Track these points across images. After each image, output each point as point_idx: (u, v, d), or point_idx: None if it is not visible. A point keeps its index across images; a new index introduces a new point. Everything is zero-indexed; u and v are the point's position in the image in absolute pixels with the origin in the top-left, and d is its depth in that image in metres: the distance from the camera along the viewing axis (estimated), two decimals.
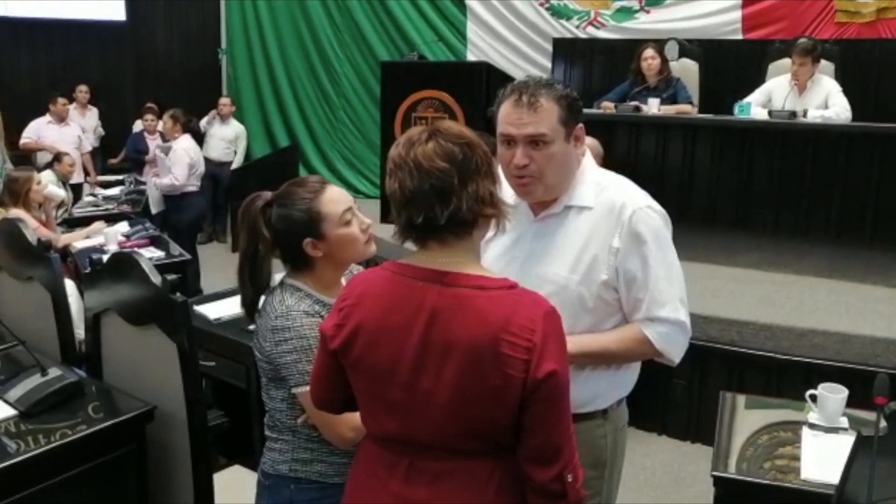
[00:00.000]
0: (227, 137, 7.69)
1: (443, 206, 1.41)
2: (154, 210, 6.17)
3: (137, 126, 7.96)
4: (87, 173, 7.36)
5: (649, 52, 5.45)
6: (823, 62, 5.31)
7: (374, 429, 1.55)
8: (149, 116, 7.60)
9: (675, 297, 1.83)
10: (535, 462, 1.43)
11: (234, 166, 7.73)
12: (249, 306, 1.93)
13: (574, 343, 1.76)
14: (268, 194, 1.89)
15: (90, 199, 6.61)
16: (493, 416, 1.41)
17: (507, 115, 1.79)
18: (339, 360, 1.54)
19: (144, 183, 6.67)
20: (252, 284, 1.89)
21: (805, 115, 4.72)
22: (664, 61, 5.46)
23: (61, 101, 7.11)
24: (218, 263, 6.81)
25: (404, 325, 1.44)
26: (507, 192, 1.86)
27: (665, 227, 1.86)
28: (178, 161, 5.96)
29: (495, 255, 1.91)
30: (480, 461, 1.46)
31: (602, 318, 1.85)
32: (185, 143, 6.12)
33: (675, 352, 1.87)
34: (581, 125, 1.83)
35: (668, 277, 1.83)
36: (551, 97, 1.76)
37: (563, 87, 1.80)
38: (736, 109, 4.85)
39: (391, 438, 1.51)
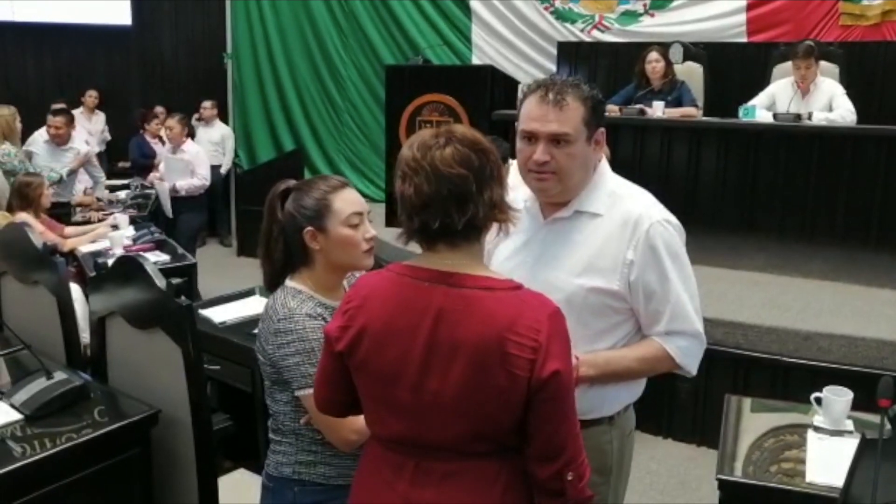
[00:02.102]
0: (212, 140, 7.68)
1: (460, 212, 1.43)
2: (171, 214, 6.08)
3: None
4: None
5: (654, 55, 5.46)
6: (828, 65, 5.31)
7: (381, 431, 1.55)
8: (157, 121, 7.62)
9: (693, 309, 1.84)
10: (537, 460, 1.45)
11: (223, 168, 7.72)
12: (268, 283, 1.97)
13: (595, 367, 1.78)
14: (293, 181, 1.95)
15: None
16: (498, 416, 1.42)
17: (532, 112, 1.78)
18: (344, 363, 1.54)
19: (150, 187, 6.66)
20: (269, 261, 1.94)
21: (810, 117, 4.72)
22: (668, 64, 5.47)
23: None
24: (223, 266, 6.84)
25: (411, 326, 1.45)
26: (519, 196, 1.87)
27: (681, 240, 1.85)
28: (200, 162, 6.01)
29: (504, 256, 1.91)
30: (487, 462, 1.46)
31: (610, 325, 1.84)
32: (195, 145, 6.14)
33: (693, 364, 1.87)
34: (602, 129, 1.82)
35: (687, 290, 1.83)
36: (578, 97, 1.76)
37: (589, 88, 1.80)
38: (741, 112, 4.85)
39: (398, 440, 1.51)
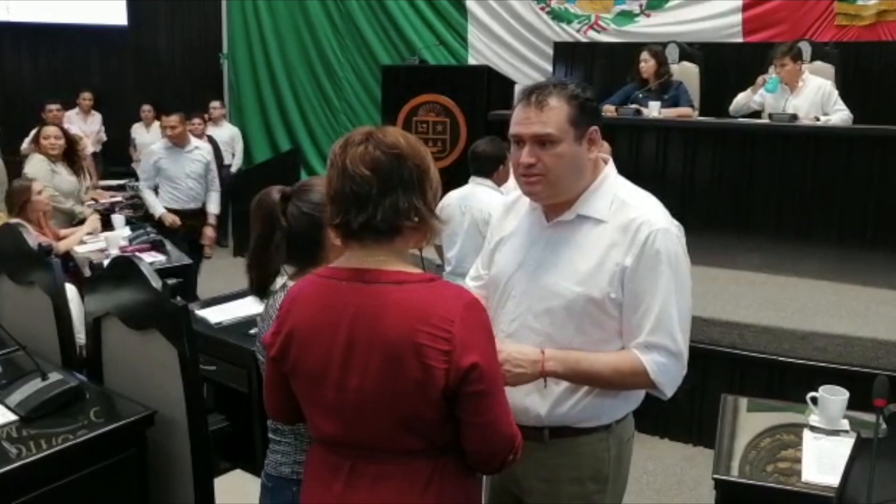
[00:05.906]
0: (222, 140, 7.65)
1: (358, 212, 1.43)
2: None
3: (135, 130, 7.98)
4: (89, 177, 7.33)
5: (644, 54, 5.50)
6: (824, 65, 5.33)
7: (316, 432, 1.57)
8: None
9: (680, 327, 1.76)
10: (477, 460, 1.50)
11: (234, 168, 7.67)
12: (258, 289, 1.93)
13: (564, 364, 1.74)
14: (282, 187, 1.91)
15: (91, 203, 6.56)
16: (419, 409, 1.43)
17: (516, 115, 1.78)
18: (280, 368, 1.56)
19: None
20: (265, 269, 1.89)
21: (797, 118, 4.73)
22: (660, 64, 5.49)
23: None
24: (220, 267, 6.82)
25: (331, 325, 1.46)
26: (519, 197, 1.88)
27: (684, 251, 1.80)
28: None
29: (507, 258, 1.90)
30: (420, 463, 1.48)
31: (610, 335, 1.78)
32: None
33: (669, 384, 1.77)
34: (595, 128, 1.78)
35: (677, 304, 1.75)
36: (562, 97, 1.74)
37: (575, 87, 1.77)
38: (768, 84, 5.00)
39: (332, 441, 1.52)
